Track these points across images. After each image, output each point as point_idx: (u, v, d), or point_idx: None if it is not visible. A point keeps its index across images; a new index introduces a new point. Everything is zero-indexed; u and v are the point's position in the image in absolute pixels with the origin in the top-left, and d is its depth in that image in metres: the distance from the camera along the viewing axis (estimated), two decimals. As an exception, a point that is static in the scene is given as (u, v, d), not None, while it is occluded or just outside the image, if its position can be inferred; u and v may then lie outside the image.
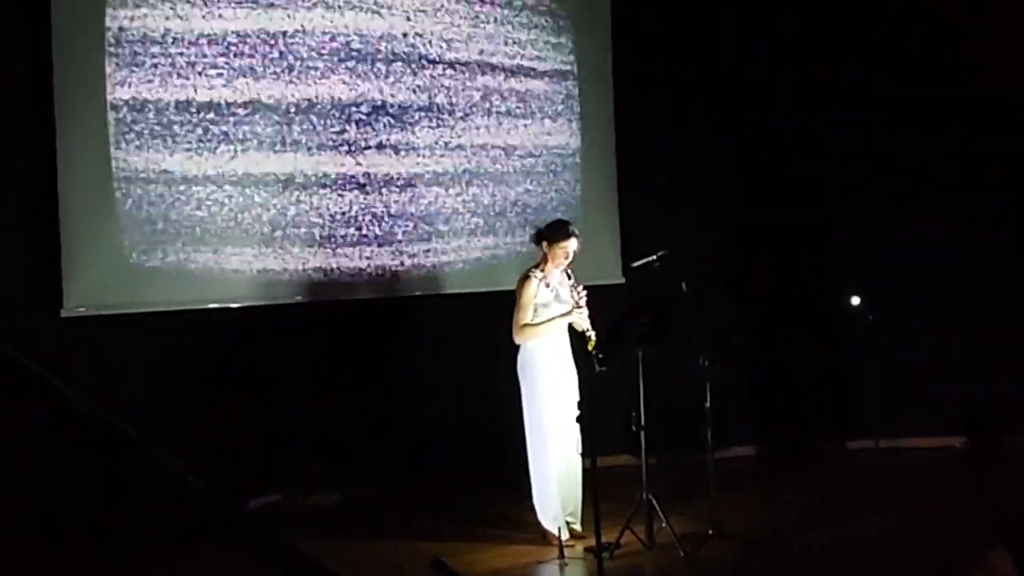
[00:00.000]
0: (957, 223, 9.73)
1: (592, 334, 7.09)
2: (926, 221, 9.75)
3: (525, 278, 7.27)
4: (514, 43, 9.40)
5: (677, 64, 9.77)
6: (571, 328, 7.27)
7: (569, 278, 7.28)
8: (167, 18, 8.07)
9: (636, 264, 7.60)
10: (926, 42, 9.76)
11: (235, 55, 8.32)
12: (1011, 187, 9.70)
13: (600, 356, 6.95)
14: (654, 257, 7.41)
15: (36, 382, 2.00)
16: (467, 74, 9.21)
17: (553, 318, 7.21)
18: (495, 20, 9.33)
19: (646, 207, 9.65)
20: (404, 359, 9.08)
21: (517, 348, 7.27)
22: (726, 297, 9.74)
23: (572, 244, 7.23)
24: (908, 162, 9.77)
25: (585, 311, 7.18)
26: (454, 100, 9.16)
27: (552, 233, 7.29)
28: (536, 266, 7.32)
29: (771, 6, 9.91)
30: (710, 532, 7.11)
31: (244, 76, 8.35)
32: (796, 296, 9.95)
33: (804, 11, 9.88)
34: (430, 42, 9.06)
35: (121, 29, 7.92)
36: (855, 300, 8.98)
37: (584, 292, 7.24)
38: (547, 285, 7.23)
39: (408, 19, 8.96)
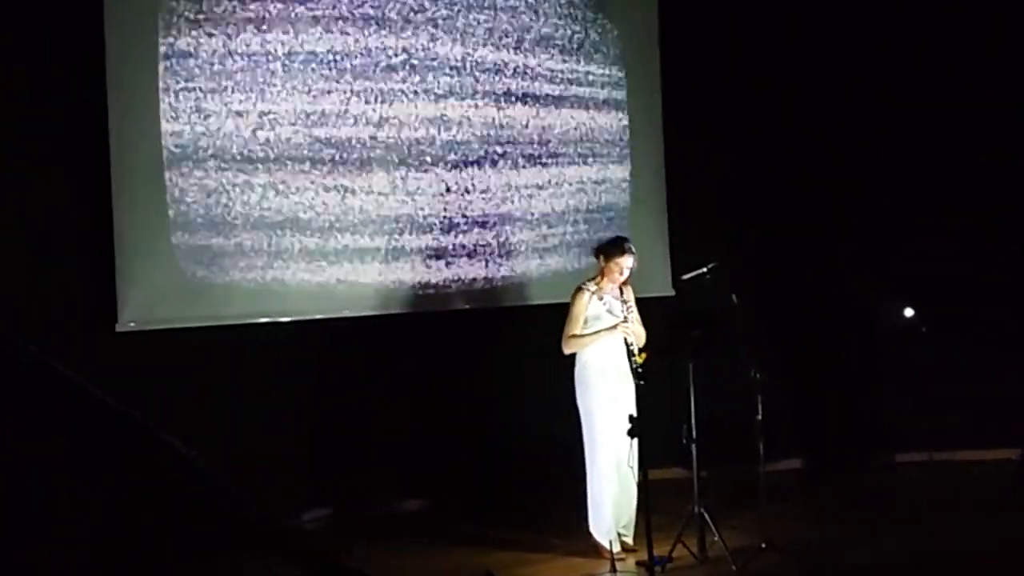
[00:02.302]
0: (993, 233, 9.67)
1: (636, 348, 7.10)
2: (967, 231, 9.69)
3: (578, 290, 7.34)
4: (569, 70, 9.48)
5: (723, 83, 9.76)
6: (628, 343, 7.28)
7: (622, 294, 7.31)
8: (223, 37, 8.16)
9: (687, 277, 7.60)
10: (932, 56, 9.71)
11: (300, 70, 8.40)
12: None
13: (640, 370, 6.95)
14: (704, 270, 7.41)
15: (69, 386, 2.03)
16: (533, 99, 9.31)
17: (599, 331, 7.24)
18: (550, 48, 9.39)
19: (695, 220, 9.63)
20: (462, 373, 9.10)
21: (574, 362, 7.30)
22: (774, 309, 9.70)
23: (627, 261, 7.27)
24: (950, 170, 9.73)
25: (632, 326, 7.19)
26: (520, 123, 9.25)
27: (609, 249, 7.35)
28: (591, 279, 7.36)
29: (778, 22, 9.88)
30: (762, 546, 7.06)
31: (306, 92, 8.44)
32: (847, 308, 9.90)
33: (811, 26, 9.85)
34: (496, 69, 9.17)
35: (175, 48, 8.01)
36: (908, 312, 8.94)
37: (633, 307, 7.26)
38: (600, 299, 7.26)
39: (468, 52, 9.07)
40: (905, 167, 9.77)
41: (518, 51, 9.26)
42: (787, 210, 9.96)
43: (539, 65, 9.35)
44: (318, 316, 8.49)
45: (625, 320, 7.21)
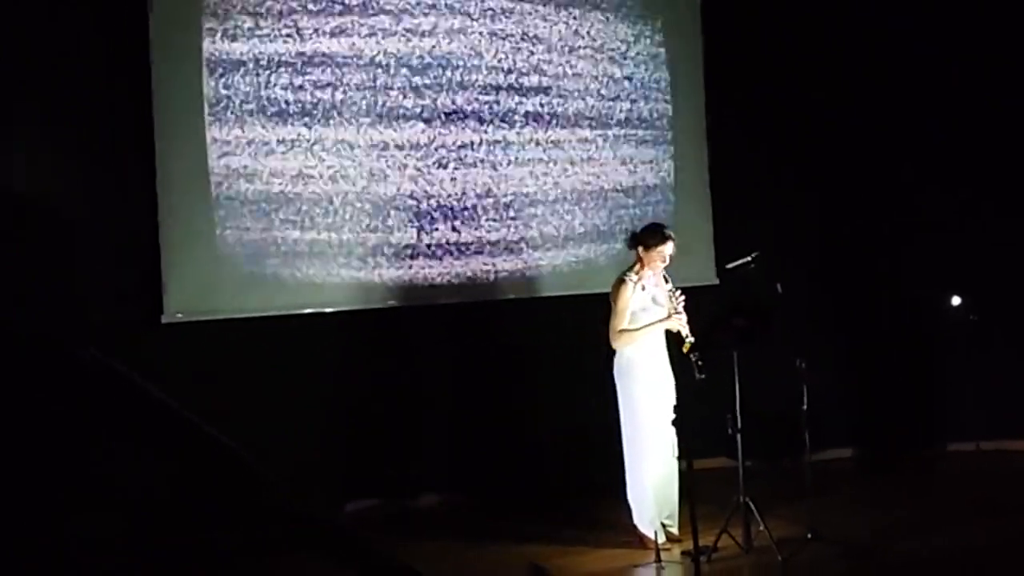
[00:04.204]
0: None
1: (691, 340, 7.04)
2: (1020, 219, 9.57)
3: (620, 282, 7.22)
4: (607, 47, 9.42)
5: (765, 73, 9.64)
6: (668, 331, 7.23)
7: (666, 282, 7.25)
8: (268, 31, 8.22)
9: (731, 266, 7.54)
10: (996, 41, 9.60)
11: (335, 68, 8.44)
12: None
13: (700, 363, 6.89)
14: (749, 259, 7.34)
15: (126, 386, 2.03)
16: (561, 79, 9.25)
17: (651, 324, 7.17)
18: (589, 33, 9.36)
19: (739, 208, 9.56)
20: (502, 363, 9.07)
21: (614, 352, 7.26)
22: (822, 298, 9.62)
23: (668, 248, 7.19)
24: (1003, 158, 9.61)
25: (684, 316, 7.14)
26: (548, 108, 9.20)
27: (648, 237, 7.24)
28: (631, 269, 7.29)
29: (843, 21, 9.79)
30: (808, 536, 7.03)
31: (343, 88, 8.48)
32: (894, 296, 9.80)
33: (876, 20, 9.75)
34: (529, 60, 9.14)
35: (219, 33, 8.10)
36: (956, 300, 8.86)
37: (682, 297, 7.20)
38: (643, 288, 7.19)
39: (508, 40, 9.04)
40: (959, 153, 9.65)
41: (556, 27, 9.23)
42: (837, 197, 9.85)
43: (575, 42, 9.30)
44: (364, 306, 8.51)
45: (676, 311, 7.15)
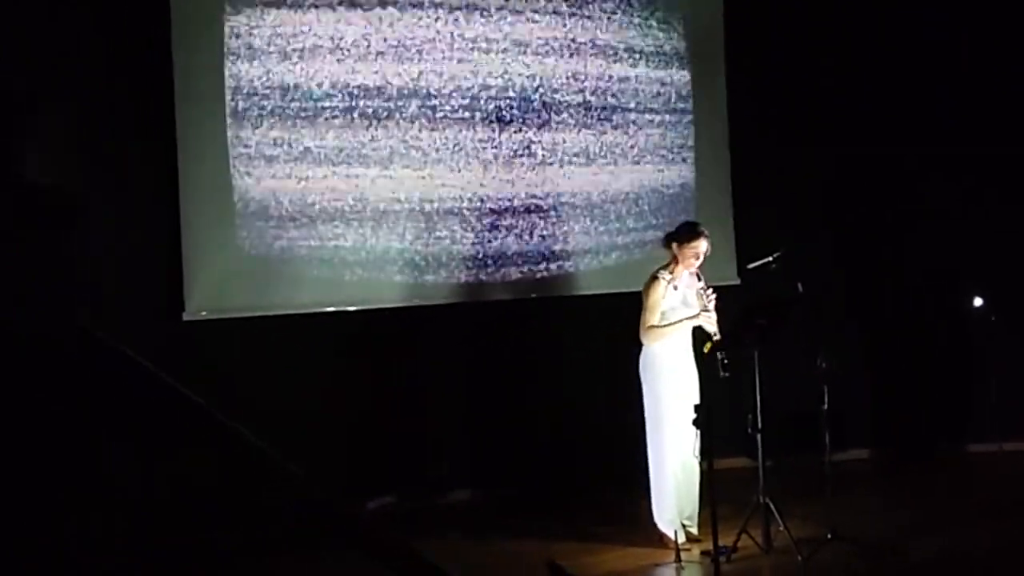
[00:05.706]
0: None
1: (718, 338, 7.02)
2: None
3: (653, 279, 7.23)
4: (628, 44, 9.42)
5: (788, 68, 9.61)
6: (695, 331, 7.22)
7: (699, 280, 7.24)
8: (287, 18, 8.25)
9: (752, 265, 7.55)
10: (1011, 36, 9.56)
11: (364, 61, 8.46)
12: None
13: (726, 361, 6.86)
14: (770, 258, 7.34)
15: (157, 385, 2.05)
16: (595, 79, 9.27)
17: (680, 320, 7.16)
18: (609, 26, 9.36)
19: (760, 207, 9.54)
20: (524, 361, 9.08)
21: (640, 350, 7.26)
22: (844, 298, 9.61)
23: (702, 245, 7.19)
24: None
25: (713, 315, 7.13)
26: (584, 107, 9.24)
27: (682, 235, 7.25)
28: (664, 267, 7.29)
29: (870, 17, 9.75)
30: (828, 536, 7.01)
31: (373, 83, 8.51)
32: (915, 296, 9.76)
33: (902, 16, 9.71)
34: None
35: (241, 31, 8.12)
36: (978, 301, 8.82)
37: (713, 295, 7.18)
38: (675, 287, 7.19)
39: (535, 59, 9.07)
40: (982, 151, 9.58)
41: (578, 21, 9.23)
42: (860, 196, 9.81)
43: (596, 41, 9.30)
44: (383, 305, 8.53)
45: (707, 308, 7.13)
